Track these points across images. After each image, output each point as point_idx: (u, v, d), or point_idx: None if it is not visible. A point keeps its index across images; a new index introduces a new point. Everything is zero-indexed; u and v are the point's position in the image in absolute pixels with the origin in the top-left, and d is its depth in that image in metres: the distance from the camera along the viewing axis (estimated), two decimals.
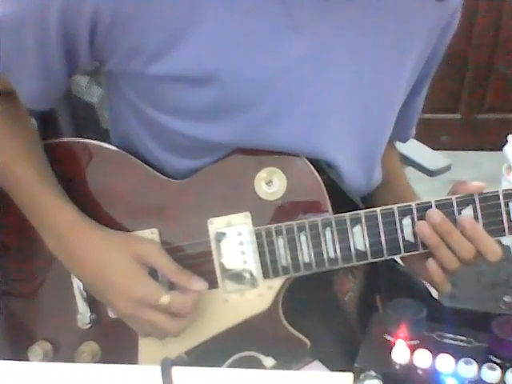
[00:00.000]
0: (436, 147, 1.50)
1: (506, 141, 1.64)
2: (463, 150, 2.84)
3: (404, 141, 1.04)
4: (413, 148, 1.24)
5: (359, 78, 0.78)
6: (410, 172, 1.38)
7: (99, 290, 0.79)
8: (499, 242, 0.76)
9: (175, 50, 0.71)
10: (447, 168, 1.47)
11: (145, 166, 0.82)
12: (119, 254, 0.77)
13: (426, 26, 0.81)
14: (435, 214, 0.73)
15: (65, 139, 0.88)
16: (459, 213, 0.73)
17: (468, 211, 0.73)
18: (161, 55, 0.72)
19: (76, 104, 1.26)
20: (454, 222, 0.73)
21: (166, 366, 0.63)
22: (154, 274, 0.78)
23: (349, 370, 0.62)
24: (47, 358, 0.86)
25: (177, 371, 0.64)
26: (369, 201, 0.90)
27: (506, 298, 1.08)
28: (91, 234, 0.79)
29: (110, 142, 0.90)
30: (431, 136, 1.59)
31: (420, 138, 1.33)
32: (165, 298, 0.75)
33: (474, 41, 2.80)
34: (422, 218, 0.74)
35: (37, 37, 0.73)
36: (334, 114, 0.78)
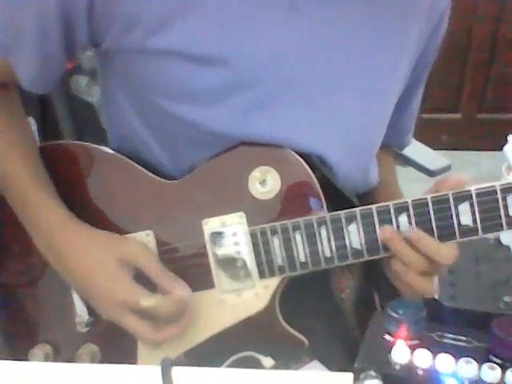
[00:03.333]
0: (436, 147, 1.50)
1: (506, 141, 1.63)
2: (463, 149, 2.84)
3: (401, 148, 1.04)
4: (413, 148, 1.24)
5: (357, 64, 0.78)
6: (410, 172, 1.38)
7: (86, 293, 0.79)
8: (499, 242, 0.75)
9: (174, 25, 0.71)
10: (447, 168, 1.47)
11: (139, 167, 0.82)
12: (104, 257, 0.76)
13: (420, 15, 0.82)
14: (385, 231, 0.73)
15: (61, 142, 0.88)
16: (456, 208, 0.73)
17: (465, 207, 0.73)
18: (159, 29, 0.72)
19: (76, 104, 1.27)
20: (451, 217, 0.73)
21: (166, 365, 0.63)
22: (141, 278, 0.77)
23: (349, 370, 0.62)
24: (48, 360, 0.86)
25: (177, 371, 0.64)
26: (364, 202, 0.89)
27: (506, 298, 1.08)
28: (79, 236, 0.78)
29: (108, 142, 0.91)
30: (431, 136, 1.59)
31: (420, 138, 1.33)
32: (145, 301, 0.74)
33: (473, 41, 2.80)
34: (418, 214, 0.73)
35: (36, 14, 0.73)
36: (329, 104, 0.78)
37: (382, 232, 0.73)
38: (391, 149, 1.03)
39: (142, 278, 0.76)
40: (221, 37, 0.72)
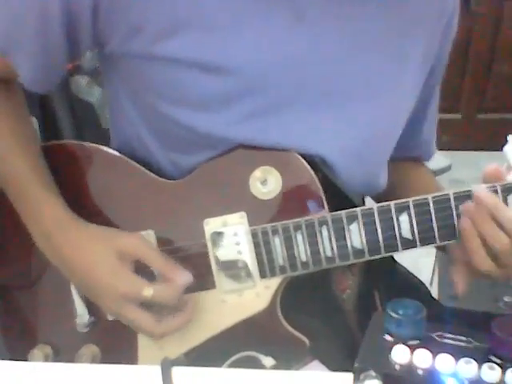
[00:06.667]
0: (436, 147, 1.50)
1: (506, 141, 1.64)
2: (463, 150, 2.85)
3: (427, 158, 1.04)
4: None
5: (362, 72, 0.78)
6: None
7: (87, 289, 0.79)
8: None
9: (179, 34, 0.71)
10: (447, 168, 1.47)
11: (140, 167, 0.82)
12: (103, 252, 0.76)
13: (429, 21, 0.81)
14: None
15: (62, 141, 0.88)
16: (456, 208, 0.73)
17: None
18: (164, 37, 0.72)
19: (76, 104, 1.27)
20: (452, 217, 0.73)
21: (166, 365, 0.63)
22: (141, 270, 0.77)
23: (349, 370, 0.62)
24: (47, 361, 0.86)
25: (177, 371, 0.64)
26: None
27: (506, 298, 1.08)
28: (77, 233, 0.78)
29: (109, 142, 0.91)
30: None
31: None
32: (147, 290, 0.74)
33: (474, 41, 2.80)
34: (419, 213, 0.74)
35: (38, 17, 0.73)
36: (332, 110, 0.78)
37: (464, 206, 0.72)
38: (421, 161, 1.03)
39: (141, 272, 0.76)
40: (225, 45, 0.72)
